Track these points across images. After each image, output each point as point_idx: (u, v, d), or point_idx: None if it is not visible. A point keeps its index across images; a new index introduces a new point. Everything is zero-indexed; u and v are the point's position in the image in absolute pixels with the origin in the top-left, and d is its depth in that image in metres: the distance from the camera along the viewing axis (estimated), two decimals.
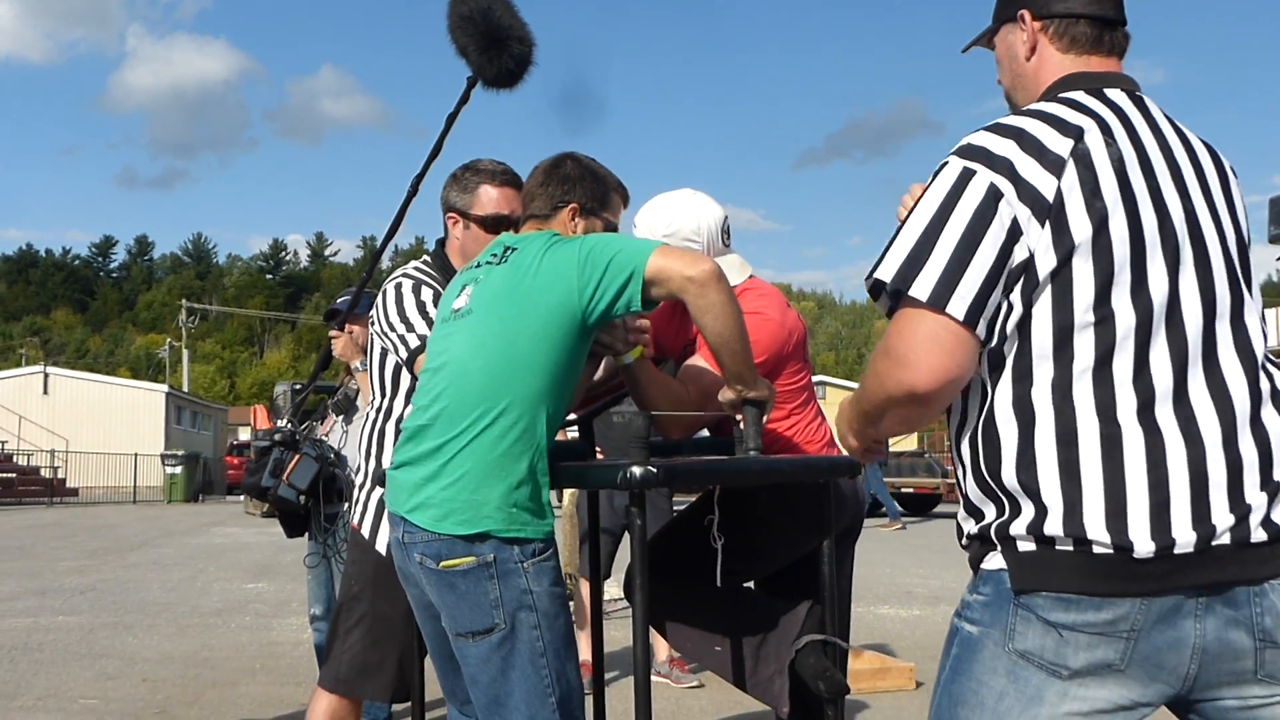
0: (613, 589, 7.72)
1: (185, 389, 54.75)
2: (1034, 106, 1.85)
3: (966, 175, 1.76)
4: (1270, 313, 19.44)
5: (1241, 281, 1.83)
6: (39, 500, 29.85)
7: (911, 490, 24.14)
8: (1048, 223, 1.71)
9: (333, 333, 4.82)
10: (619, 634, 7.17)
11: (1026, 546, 1.73)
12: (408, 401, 3.35)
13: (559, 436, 2.74)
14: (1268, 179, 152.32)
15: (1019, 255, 1.72)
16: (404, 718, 5.03)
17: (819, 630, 2.87)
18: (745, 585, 3.20)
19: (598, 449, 3.45)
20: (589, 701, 2.94)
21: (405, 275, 3.31)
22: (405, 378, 3.34)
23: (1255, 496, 1.70)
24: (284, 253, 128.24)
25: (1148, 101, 1.89)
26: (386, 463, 3.36)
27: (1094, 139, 1.77)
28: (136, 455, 33.99)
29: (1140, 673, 1.71)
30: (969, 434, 1.84)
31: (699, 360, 2.98)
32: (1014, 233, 1.72)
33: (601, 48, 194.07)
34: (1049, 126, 1.77)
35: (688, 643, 3.12)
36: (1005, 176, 1.73)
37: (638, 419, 2.57)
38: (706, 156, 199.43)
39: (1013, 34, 2.00)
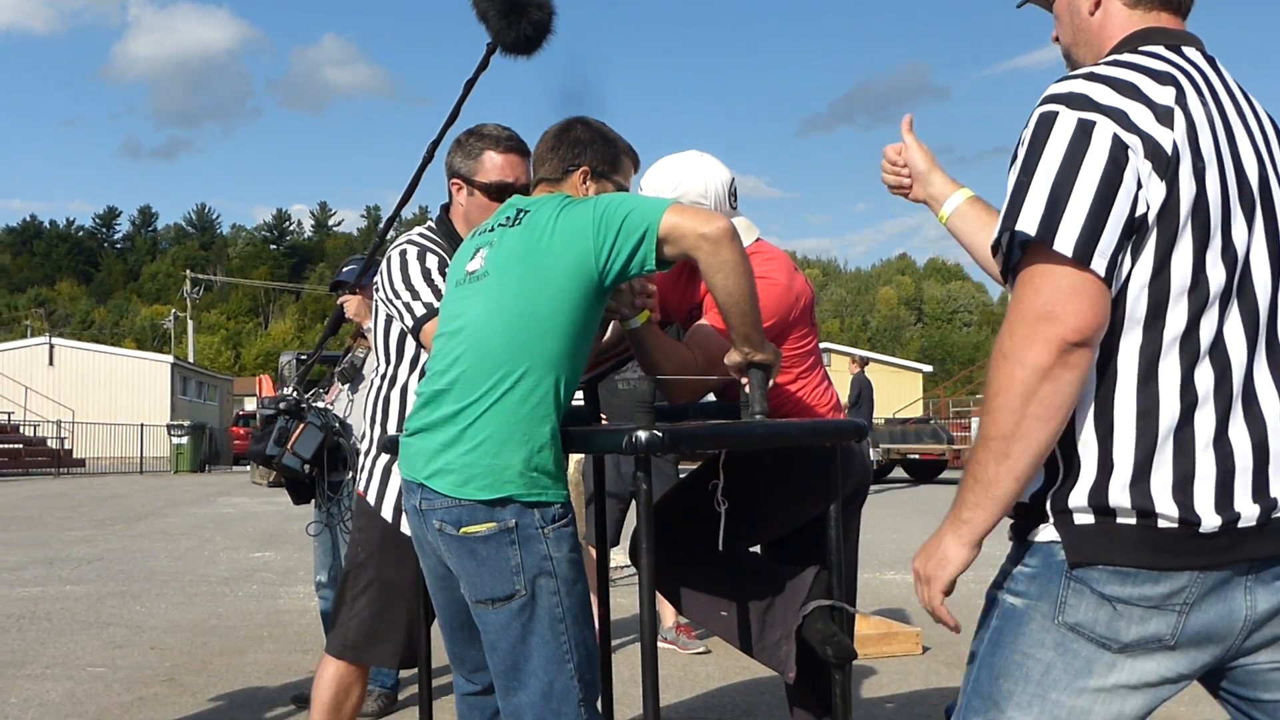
0: (619, 556, 7.73)
1: (190, 360, 54.78)
2: (1121, 58, 1.77)
3: (1086, 126, 1.66)
4: None
5: None
6: (46, 471, 29.98)
7: (918, 456, 24.22)
8: (1165, 178, 1.65)
9: (345, 295, 4.79)
10: (626, 601, 7.17)
11: (1084, 519, 1.70)
12: (413, 369, 3.33)
13: None
14: None
15: (1139, 211, 1.65)
16: (411, 684, 5.05)
17: (826, 596, 2.86)
18: (752, 550, 3.19)
19: (602, 415, 3.43)
20: None
21: (410, 242, 3.29)
22: (410, 345, 3.32)
23: None
24: (288, 223, 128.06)
25: (1219, 63, 1.84)
26: (392, 429, 3.35)
27: (1191, 92, 1.71)
28: (142, 426, 34.08)
29: (1190, 646, 1.70)
30: None
31: (705, 324, 2.96)
32: (1139, 187, 1.64)
33: (604, 12, 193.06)
34: (1146, 77, 1.71)
35: (694, 607, 3.11)
36: (1126, 129, 1.65)
37: (643, 383, 2.55)
38: (710, 123, 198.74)
39: None
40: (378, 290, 3.31)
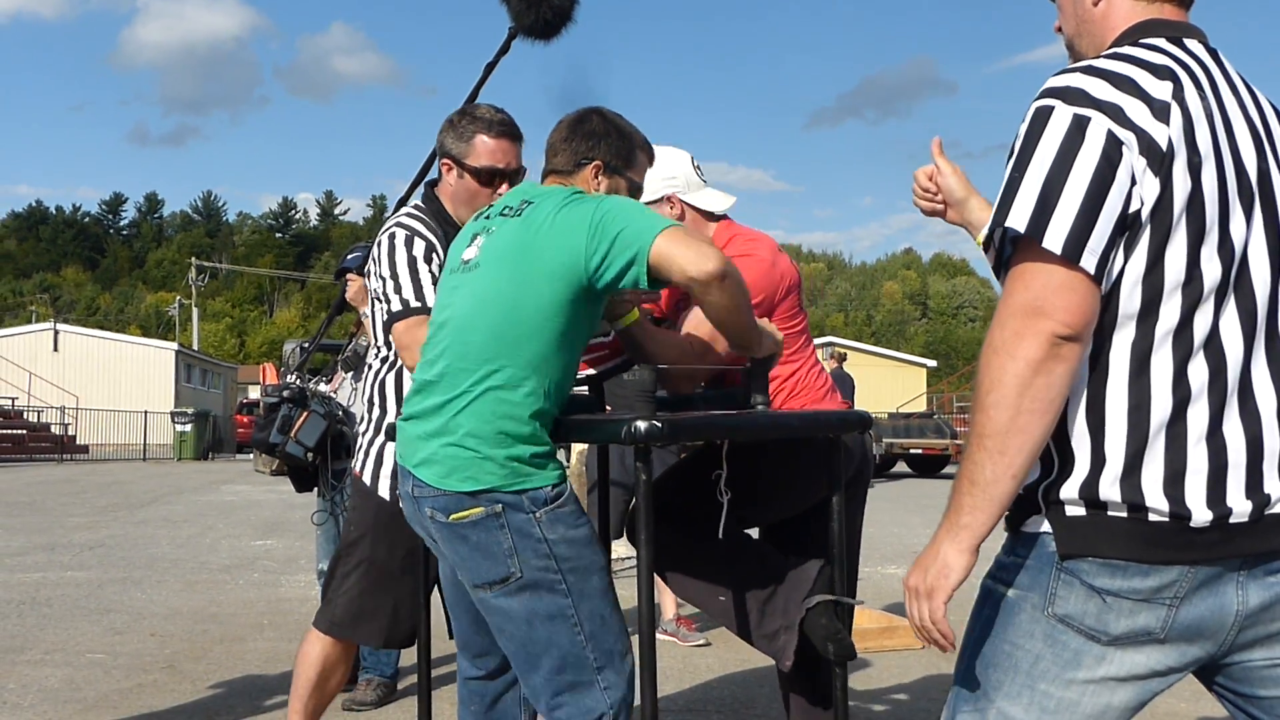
0: (620, 548, 7.72)
1: (195, 347, 54.84)
2: (1121, 51, 1.76)
3: (1081, 122, 1.64)
4: None
5: None
6: (49, 457, 30.00)
7: (920, 451, 24.20)
8: (1159, 174, 1.63)
9: (349, 276, 4.77)
10: (626, 592, 7.16)
11: (1075, 511, 1.69)
12: None
13: None
14: None
15: (1132, 207, 1.64)
16: (410, 673, 5.04)
17: (829, 590, 2.86)
18: (753, 537, 3.19)
19: (607, 406, 3.42)
20: None
21: (399, 225, 3.26)
22: None
23: None
24: (294, 211, 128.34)
25: (1221, 55, 1.82)
26: (389, 412, 3.34)
27: (1189, 87, 1.69)
28: (146, 413, 34.12)
29: (1180, 640, 1.69)
30: None
31: (698, 310, 2.95)
32: (1133, 183, 1.63)
33: (611, 5, 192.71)
34: (1144, 71, 1.69)
35: (693, 591, 3.10)
36: (1121, 125, 1.63)
37: (644, 371, 2.53)
38: (717, 116, 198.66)
39: None
40: (368, 274, 3.31)
